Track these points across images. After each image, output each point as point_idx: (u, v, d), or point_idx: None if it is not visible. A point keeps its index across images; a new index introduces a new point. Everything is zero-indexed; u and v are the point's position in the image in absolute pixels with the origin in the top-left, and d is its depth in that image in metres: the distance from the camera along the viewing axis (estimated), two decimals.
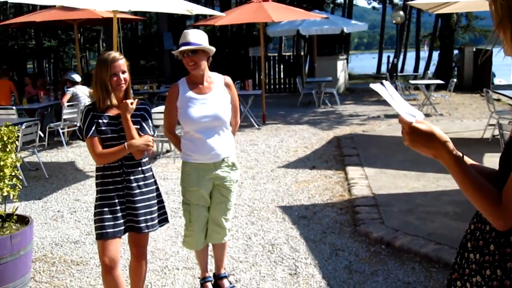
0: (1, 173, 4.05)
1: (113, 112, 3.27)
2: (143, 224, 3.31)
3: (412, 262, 4.36)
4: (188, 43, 3.51)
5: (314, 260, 4.49)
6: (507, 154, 1.58)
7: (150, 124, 3.39)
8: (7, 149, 4.14)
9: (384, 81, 1.76)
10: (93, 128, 3.21)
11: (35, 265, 4.55)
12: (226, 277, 4.05)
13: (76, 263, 4.63)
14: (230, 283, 4.03)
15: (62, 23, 13.46)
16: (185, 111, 3.59)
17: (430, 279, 4.05)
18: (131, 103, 3.24)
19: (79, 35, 14.69)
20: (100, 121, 3.24)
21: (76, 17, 11.43)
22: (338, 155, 8.61)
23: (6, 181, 4.07)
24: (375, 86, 1.74)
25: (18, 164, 4.37)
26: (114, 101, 3.24)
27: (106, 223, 3.20)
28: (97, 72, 3.26)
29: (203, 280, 3.99)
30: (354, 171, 7.25)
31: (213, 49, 3.64)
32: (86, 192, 6.91)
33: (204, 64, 3.62)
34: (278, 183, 7.00)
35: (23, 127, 7.39)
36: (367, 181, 6.73)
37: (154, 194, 3.43)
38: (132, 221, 3.30)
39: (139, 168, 3.34)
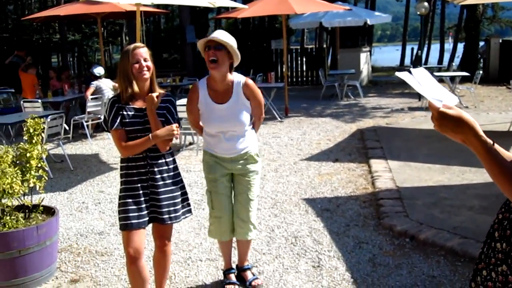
0: (28, 165, 4.12)
1: (138, 104, 3.27)
2: (166, 216, 3.32)
3: (437, 256, 4.31)
4: (215, 37, 3.46)
5: (338, 253, 4.47)
6: None
7: (176, 117, 3.38)
8: (33, 141, 4.20)
9: (412, 69, 1.68)
10: (117, 120, 3.21)
11: (60, 256, 4.61)
12: (249, 269, 4.06)
13: (101, 253, 4.68)
14: (253, 275, 4.02)
15: (86, 17, 13.56)
16: (204, 116, 3.67)
17: (456, 273, 4.00)
18: (157, 96, 3.23)
19: (102, 29, 14.78)
20: (125, 113, 3.23)
21: (100, 10, 11.49)
22: (361, 147, 8.55)
23: (33, 172, 4.13)
24: (400, 74, 1.68)
25: (44, 156, 4.42)
26: (136, 89, 3.22)
27: (131, 214, 3.22)
28: (120, 63, 3.28)
29: (227, 272, 4.01)
30: (377, 164, 7.19)
31: (238, 54, 3.52)
32: (110, 184, 6.97)
33: (226, 67, 3.51)
34: (301, 176, 6.97)
35: (49, 119, 7.47)
36: (391, 174, 6.67)
37: (178, 185, 3.43)
38: (155, 212, 3.31)
39: (163, 160, 3.34)
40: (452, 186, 6.10)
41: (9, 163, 3.97)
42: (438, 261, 4.22)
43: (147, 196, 3.29)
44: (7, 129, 9.67)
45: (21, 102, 10.08)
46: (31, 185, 4.10)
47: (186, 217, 3.55)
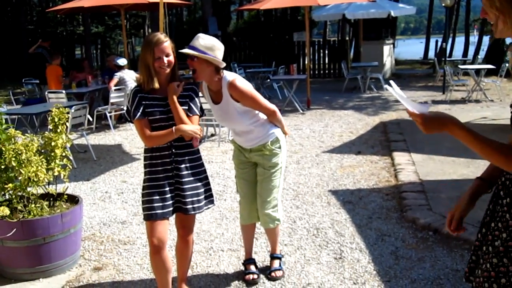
0: (52, 154, 4.17)
1: (160, 93, 3.24)
2: (190, 206, 3.32)
3: (460, 250, 4.25)
4: (192, 47, 3.33)
5: (360, 245, 4.44)
6: None
7: (198, 104, 3.36)
8: (58, 130, 4.25)
9: (391, 81, 2.07)
10: (140, 110, 3.19)
11: (84, 244, 4.66)
12: (277, 258, 4.07)
13: (124, 242, 4.72)
14: (279, 266, 4.01)
15: (109, 9, 13.67)
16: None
17: None
18: (178, 85, 3.22)
19: (125, 21, 14.89)
20: (148, 102, 3.21)
21: (123, 2, 11.56)
22: (384, 140, 8.47)
23: (57, 161, 4.18)
24: (388, 88, 2.06)
25: (68, 145, 4.46)
26: (157, 85, 3.19)
27: (155, 204, 3.22)
28: (142, 53, 3.23)
29: (246, 262, 4.03)
30: (400, 157, 7.12)
31: (217, 60, 3.36)
32: (132, 174, 7.03)
33: (207, 73, 3.41)
34: (323, 168, 6.94)
35: (73, 110, 7.55)
36: (414, 167, 6.60)
37: (202, 176, 3.43)
38: (179, 202, 3.31)
39: (188, 150, 3.34)
40: None
41: (34, 151, 4.01)
42: (462, 254, 4.16)
43: (172, 186, 3.29)
44: (32, 120, 9.80)
45: (46, 93, 10.19)
46: (56, 173, 4.15)
47: (209, 207, 3.54)
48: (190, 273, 4.03)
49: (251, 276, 3.89)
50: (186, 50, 3.34)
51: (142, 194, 3.34)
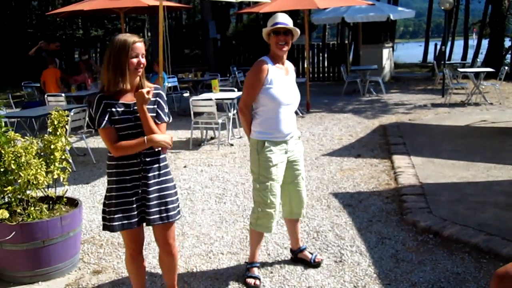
0: (52, 156, 4.16)
1: (126, 98, 3.04)
2: (156, 216, 3.16)
3: (461, 253, 4.24)
4: (281, 23, 3.70)
5: (360, 248, 4.43)
6: None
7: (166, 110, 3.19)
8: (58, 133, 4.24)
9: None
10: (106, 118, 2.98)
11: (83, 247, 4.65)
12: (305, 249, 4.23)
13: (123, 245, 4.67)
14: (312, 253, 4.18)
15: (109, 12, 13.64)
16: (273, 89, 3.71)
17: (481, 270, 3.93)
18: (147, 92, 3.01)
19: (124, 24, 14.89)
20: (114, 109, 3.00)
21: (123, 5, 11.56)
22: (383, 143, 8.47)
23: (57, 164, 4.17)
24: None
25: (67, 148, 4.45)
26: (129, 86, 3.01)
27: (117, 216, 3.09)
28: (112, 53, 2.97)
29: (251, 265, 3.99)
30: (400, 160, 7.11)
31: (299, 32, 3.79)
32: None
33: (289, 47, 3.80)
34: (322, 171, 6.93)
35: (72, 113, 7.54)
36: (414, 170, 6.59)
37: (170, 184, 3.24)
38: (144, 212, 3.15)
39: (157, 157, 3.17)
40: (476, 183, 6.01)
41: (33, 154, 4.01)
42: (463, 258, 4.16)
43: (138, 195, 3.12)
44: (31, 123, 9.79)
45: (45, 96, 10.18)
46: (55, 176, 4.14)
47: (177, 219, 3.29)
48: (189, 276, 4.02)
49: (253, 281, 3.87)
50: (283, 25, 3.68)
51: (104, 203, 3.17)
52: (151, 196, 3.13)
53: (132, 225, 3.13)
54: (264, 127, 3.78)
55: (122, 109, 3.03)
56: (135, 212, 3.12)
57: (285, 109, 3.78)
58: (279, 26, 3.69)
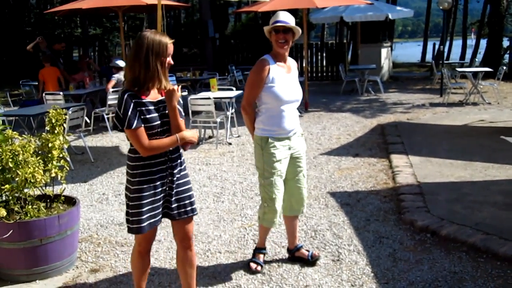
0: (50, 155, 4.15)
1: (151, 97, 3.03)
2: (176, 212, 3.19)
3: (458, 252, 4.25)
4: (281, 21, 3.73)
5: (358, 247, 4.43)
6: None
7: (182, 108, 3.19)
8: (55, 131, 4.24)
9: None
10: (137, 117, 2.92)
11: (81, 245, 4.65)
12: (302, 247, 4.26)
13: (121, 244, 4.71)
14: (308, 251, 4.20)
15: (107, 11, 13.62)
16: (275, 87, 3.77)
17: (478, 269, 3.94)
18: (176, 90, 3.03)
19: (123, 23, 14.88)
20: (144, 108, 2.96)
21: (121, 4, 11.54)
22: (382, 143, 8.47)
23: (54, 162, 4.16)
24: None
25: (65, 146, 4.45)
26: (161, 85, 2.99)
27: (145, 216, 3.07)
28: (146, 52, 2.91)
29: (258, 250, 4.16)
30: (398, 159, 7.12)
31: (300, 30, 3.81)
32: None
33: (290, 45, 3.83)
34: (320, 170, 6.93)
35: (70, 111, 7.53)
36: (412, 169, 6.60)
37: (187, 179, 3.27)
38: (167, 207, 3.18)
39: (179, 154, 3.20)
40: (474, 182, 6.01)
41: (31, 152, 4.00)
42: (460, 257, 4.16)
43: (164, 193, 3.14)
44: (29, 121, 9.78)
45: (43, 95, 10.17)
46: (53, 175, 4.13)
47: (194, 215, 3.32)
48: None
49: (255, 266, 4.04)
50: (282, 24, 3.72)
51: (129, 205, 3.11)
52: (175, 191, 3.17)
53: (157, 222, 3.16)
54: (267, 124, 3.84)
55: (150, 107, 3.00)
56: (160, 209, 3.15)
57: (288, 106, 3.84)
58: (278, 24, 3.73)
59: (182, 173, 3.23)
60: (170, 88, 3.02)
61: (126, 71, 3.04)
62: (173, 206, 3.18)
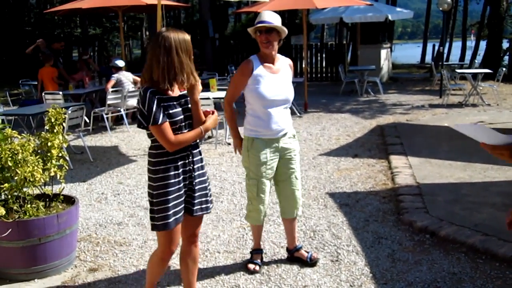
0: (49, 154, 4.15)
1: (173, 92, 3.07)
2: (198, 207, 3.23)
3: (457, 253, 4.25)
4: (263, 22, 3.69)
5: (356, 248, 4.43)
6: None
7: None
8: (55, 130, 4.23)
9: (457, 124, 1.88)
10: (161, 113, 2.96)
11: (80, 245, 4.64)
12: (301, 248, 4.22)
13: (120, 243, 4.71)
14: (307, 252, 4.17)
15: (107, 10, 13.64)
16: (258, 87, 3.75)
17: (477, 270, 3.94)
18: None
19: (123, 23, 14.89)
20: (167, 104, 3.00)
21: (121, 3, 11.56)
22: (381, 143, 8.48)
23: (54, 161, 4.16)
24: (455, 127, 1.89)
25: (64, 146, 4.44)
26: (188, 82, 3.03)
27: (171, 212, 3.07)
28: (174, 49, 2.95)
29: (255, 252, 4.16)
30: (397, 160, 7.12)
31: (286, 30, 3.76)
32: (129, 176, 7.01)
33: (276, 45, 3.77)
34: (319, 171, 6.93)
35: (69, 111, 7.53)
36: (411, 170, 6.60)
37: (206, 176, 3.34)
38: (188, 203, 3.20)
39: (199, 149, 3.25)
40: (474, 183, 6.02)
41: (30, 151, 4.00)
42: (459, 258, 4.16)
43: (186, 188, 3.16)
44: (28, 121, 9.78)
45: (43, 94, 10.17)
46: (52, 174, 4.13)
47: (210, 209, 3.40)
48: None
49: (253, 266, 4.04)
50: (262, 25, 3.67)
51: (154, 202, 3.08)
52: (196, 187, 3.20)
53: (181, 218, 3.16)
54: (253, 125, 3.85)
55: (173, 103, 3.04)
56: (183, 205, 3.16)
57: (274, 107, 3.79)
58: (260, 25, 3.69)
59: (203, 169, 3.28)
60: (195, 82, 3.06)
61: (147, 70, 3.02)
62: (196, 201, 3.21)
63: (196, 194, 3.21)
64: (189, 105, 3.13)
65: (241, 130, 4.02)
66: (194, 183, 3.19)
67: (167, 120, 2.98)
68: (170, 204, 3.07)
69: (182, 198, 3.14)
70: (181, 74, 2.98)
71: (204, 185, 3.27)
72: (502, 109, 11.78)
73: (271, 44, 3.72)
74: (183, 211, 3.16)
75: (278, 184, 4.04)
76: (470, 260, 4.11)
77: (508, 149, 1.74)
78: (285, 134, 3.90)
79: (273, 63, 3.83)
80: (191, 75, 3.03)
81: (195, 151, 3.20)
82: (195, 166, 3.20)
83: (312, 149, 8.25)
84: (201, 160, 3.27)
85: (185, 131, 3.09)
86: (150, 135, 3.08)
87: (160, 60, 2.94)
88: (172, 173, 3.07)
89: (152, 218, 3.13)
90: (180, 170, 3.10)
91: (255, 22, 3.77)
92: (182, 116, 3.07)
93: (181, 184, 3.11)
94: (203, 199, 3.26)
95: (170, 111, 3.01)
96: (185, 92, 3.14)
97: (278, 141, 3.86)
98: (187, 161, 3.14)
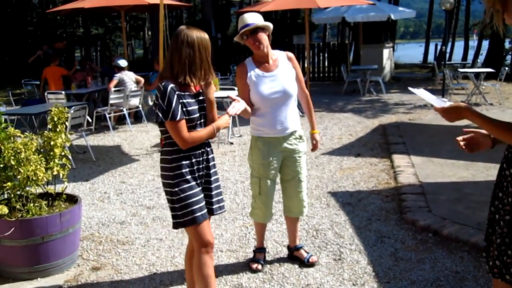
0: (52, 153, 4.16)
1: (190, 89, 3.09)
2: (216, 205, 3.24)
3: (460, 251, 4.24)
4: (246, 25, 3.66)
5: (359, 247, 4.43)
6: None
7: None
8: (57, 130, 4.24)
9: (419, 90, 2.52)
10: (180, 110, 2.97)
11: (82, 244, 4.65)
12: (302, 247, 4.21)
13: (122, 242, 4.71)
14: (307, 253, 4.16)
15: (110, 10, 13.65)
16: (256, 88, 3.74)
17: (480, 269, 3.93)
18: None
19: (125, 23, 14.88)
20: (185, 100, 3.02)
21: (123, 3, 11.56)
22: (383, 143, 8.47)
23: (56, 160, 4.17)
24: (413, 90, 2.57)
25: (67, 145, 4.45)
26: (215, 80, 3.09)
27: (196, 207, 3.06)
28: (197, 48, 3.01)
29: (258, 250, 4.17)
30: (400, 159, 7.11)
31: (270, 25, 3.74)
32: (131, 175, 7.01)
33: (266, 41, 3.72)
34: (322, 170, 6.93)
35: (72, 110, 7.54)
36: (413, 169, 6.59)
37: (218, 175, 3.35)
38: (208, 202, 3.19)
39: (211, 148, 3.26)
40: (476, 182, 6.00)
41: (33, 150, 4.00)
42: (462, 256, 4.16)
43: (202, 186, 3.17)
44: (31, 120, 9.79)
45: (45, 94, 10.18)
46: (55, 173, 4.14)
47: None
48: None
49: (255, 265, 4.05)
50: (245, 29, 3.65)
51: (175, 200, 3.06)
52: (213, 186, 3.22)
53: (207, 215, 3.15)
54: (256, 124, 3.86)
55: (191, 100, 3.06)
56: (204, 202, 3.15)
57: (275, 106, 3.78)
58: (243, 30, 3.68)
59: (215, 167, 3.30)
60: (210, 80, 3.11)
61: (167, 66, 3.05)
62: (214, 200, 3.23)
63: (214, 193, 3.23)
64: (205, 104, 3.15)
65: (242, 129, 4.03)
66: (211, 181, 3.21)
67: (185, 117, 3.00)
68: (194, 199, 3.06)
69: (202, 195, 3.14)
70: (200, 70, 3.01)
71: (219, 183, 3.30)
72: (505, 108, 11.76)
73: (261, 43, 3.69)
74: (205, 209, 3.14)
75: (282, 183, 4.05)
76: (473, 259, 4.10)
77: (441, 110, 2.31)
78: (290, 134, 3.89)
79: (267, 62, 3.80)
80: (209, 72, 3.06)
81: (209, 148, 3.22)
82: (210, 164, 3.21)
83: None
84: (213, 159, 3.28)
85: (199, 129, 3.10)
86: (164, 132, 3.08)
87: (182, 55, 2.98)
88: (189, 169, 3.07)
89: (175, 216, 3.10)
90: (195, 168, 3.10)
91: (238, 29, 3.75)
92: (198, 114, 3.09)
93: (198, 181, 3.12)
94: (220, 197, 3.29)
95: (188, 108, 3.02)
96: (201, 90, 3.16)
97: (282, 141, 3.86)
98: (201, 158, 3.14)
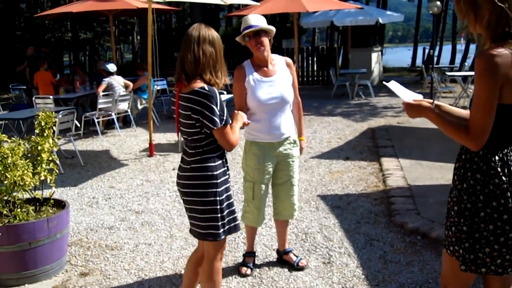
0: (39, 158, 4.13)
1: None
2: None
3: None
4: (249, 26, 3.65)
5: (348, 250, 4.43)
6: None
7: None
8: (45, 134, 4.21)
9: (391, 82, 2.72)
10: (226, 113, 2.90)
11: (70, 249, 4.62)
12: (291, 251, 4.20)
13: (111, 248, 4.68)
14: (297, 256, 4.16)
15: (98, 14, 13.62)
16: (253, 93, 3.71)
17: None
18: None
19: (114, 27, 14.86)
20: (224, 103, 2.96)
21: (112, 7, 11.53)
22: (372, 146, 8.50)
23: (44, 165, 4.14)
24: (387, 84, 2.75)
25: (55, 150, 4.42)
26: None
27: (236, 215, 3.07)
28: (220, 49, 2.98)
29: (248, 254, 4.17)
30: (389, 162, 7.14)
31: (273, 29, 3.74)
32: (120, 180, 6.98)
33: (268, 45, 3.73)
34: (311, 173, 6.94)
35: (60, 115, 7.49)
36: (402, 172, 6.62)
37: None
38: None
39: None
40: None
41: (20, 155, 3.98)
42: None
43: None
44: (18, 125, 9.73)
45: (33, 98, 10.12)
46: (42, 178, 4.11)
47: None
48: (178, 278, 4.00)
49: (245, 269, 4.04)
50: (249, 30, 3.63)
51: (223, 208, 2.95)
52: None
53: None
54: (252, 129, 3.83)
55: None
56: None
57: (271, 112, 3.76)
58: (246, 31, 3.67)
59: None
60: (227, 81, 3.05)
61: (196, 69, 2.88)
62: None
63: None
64: None
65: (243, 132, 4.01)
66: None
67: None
68: (233, 208, 3.04)
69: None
70: (220, 71, 2.96)
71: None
72: None
73: (263, 46, 3.68)
74: None
75: (274, 187, 4.04)
76: None
77: (404, 104, 2.52)
78: (285, 140, 3.88)
79: (266, 66, 3.78)
80: (222, 76, 2.99)
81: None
82: (228, 165, 3.12)
83: (304, 152, 8.22)
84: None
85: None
86: (199, 140, 2.90)
87: (215, 59, 2.92)
88: (226, 170, 3.02)
89: (218, 227, 2.94)
90: (228, 171, 3.07)
91: (241, 29, 3.74)
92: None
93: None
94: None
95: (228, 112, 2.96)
96: None
97: (277, 146, 3.85)
98: (227, 164, 3.08)
